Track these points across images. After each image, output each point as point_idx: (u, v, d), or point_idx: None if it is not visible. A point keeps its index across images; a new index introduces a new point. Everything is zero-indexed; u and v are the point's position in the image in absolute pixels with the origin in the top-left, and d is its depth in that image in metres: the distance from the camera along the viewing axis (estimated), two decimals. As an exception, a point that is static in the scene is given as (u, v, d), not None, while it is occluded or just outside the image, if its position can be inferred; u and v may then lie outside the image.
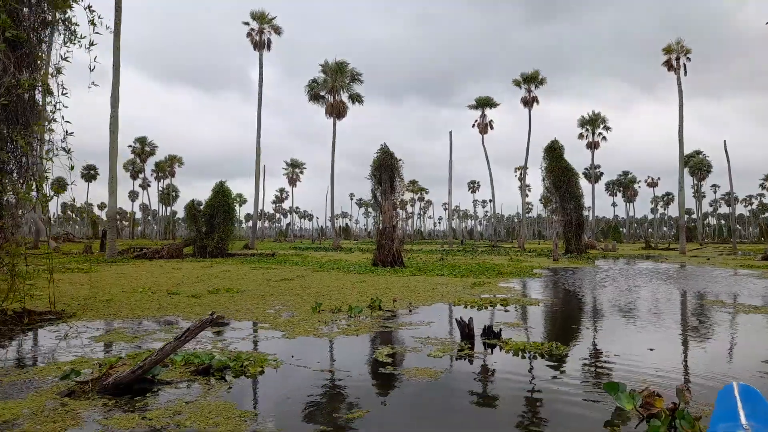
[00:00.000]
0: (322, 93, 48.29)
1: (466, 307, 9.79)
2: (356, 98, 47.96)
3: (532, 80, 52.54)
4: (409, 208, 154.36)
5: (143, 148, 79.27)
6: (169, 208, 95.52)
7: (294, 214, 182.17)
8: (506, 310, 9.38)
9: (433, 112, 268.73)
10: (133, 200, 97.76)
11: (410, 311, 9.18)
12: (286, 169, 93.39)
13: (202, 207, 31.07)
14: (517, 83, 53.07)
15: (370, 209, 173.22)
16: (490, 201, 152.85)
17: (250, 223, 58.58)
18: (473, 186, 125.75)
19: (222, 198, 29.78)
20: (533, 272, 18.67)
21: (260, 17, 44.51)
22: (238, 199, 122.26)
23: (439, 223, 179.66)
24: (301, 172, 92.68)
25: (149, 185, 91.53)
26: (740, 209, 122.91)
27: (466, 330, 6.36)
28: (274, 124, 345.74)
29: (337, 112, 47.57)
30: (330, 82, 47.19)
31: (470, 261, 25.71)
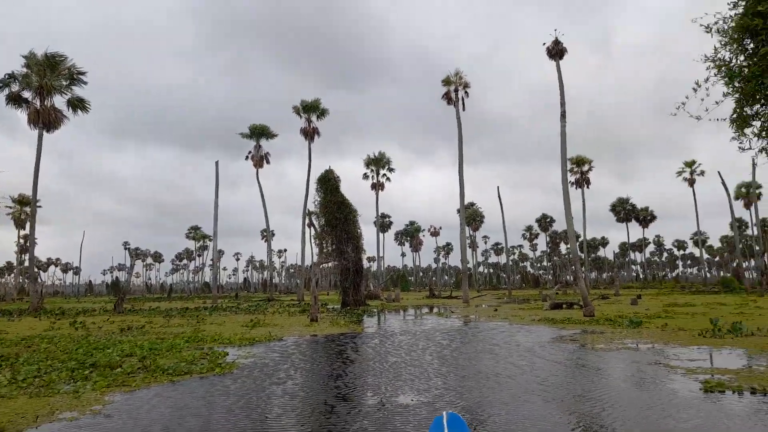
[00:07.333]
0: (26, 95, 34.72)
1: None
2: (78, 104, 35.44)
3: (312, 109, 46.49)
4: (198, 260, 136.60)
5: None
6: None
7: (55, 266, 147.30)
8: None
9: (232, 162, 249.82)
10: None
11: None
12: (11, 207, 70.80)
13: None
14: (296, 110, 46.45)
15: (150, 259, 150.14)
16: (285, 251, 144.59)
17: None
18: (265, 234, 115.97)
19: None
20: (217, 363, 9.87)
21: None
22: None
23: (234, 274, 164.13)
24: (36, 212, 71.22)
25: None
26: (505, 259, 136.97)
27: None
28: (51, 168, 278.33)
29: (45, 120, 34.29)
30: (36, 80, 34.03)
31: (186, 329, 16.53)
